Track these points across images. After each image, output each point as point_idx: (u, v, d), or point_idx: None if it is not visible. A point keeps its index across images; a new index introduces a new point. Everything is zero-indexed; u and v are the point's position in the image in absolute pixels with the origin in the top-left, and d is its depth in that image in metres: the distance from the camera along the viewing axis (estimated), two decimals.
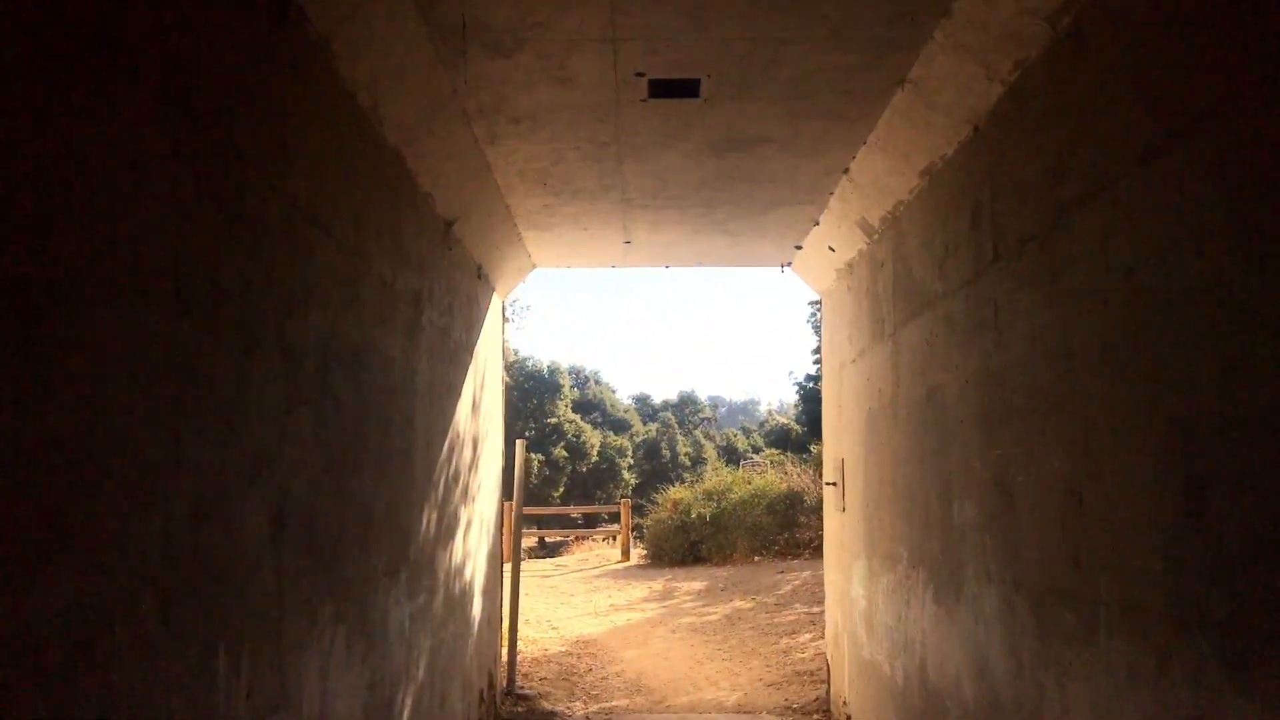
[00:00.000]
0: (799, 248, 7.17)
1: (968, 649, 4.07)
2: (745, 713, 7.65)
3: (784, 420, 36.23)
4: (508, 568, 8.55)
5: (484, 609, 6.61)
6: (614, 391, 43.11)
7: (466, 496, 5.90)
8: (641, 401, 47.29)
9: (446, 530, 5.30)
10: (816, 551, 14.79)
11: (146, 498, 2.04)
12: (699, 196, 5.88)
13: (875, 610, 5.81)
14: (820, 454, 17.35)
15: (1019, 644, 3.48)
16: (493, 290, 7.03)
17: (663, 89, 4.24)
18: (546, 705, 7.72)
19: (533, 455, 31.54)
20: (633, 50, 3.89)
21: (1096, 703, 2.82)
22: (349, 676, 3.43)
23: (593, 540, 21.67)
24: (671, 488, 19.14)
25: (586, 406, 39.21)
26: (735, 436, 42.34)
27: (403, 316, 4.30)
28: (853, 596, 6.52)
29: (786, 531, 15.94)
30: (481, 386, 6.46)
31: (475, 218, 5.67)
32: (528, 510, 24.31)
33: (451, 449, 5.44)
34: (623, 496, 24.85)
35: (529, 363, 36.13)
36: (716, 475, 19.96)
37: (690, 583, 14.38)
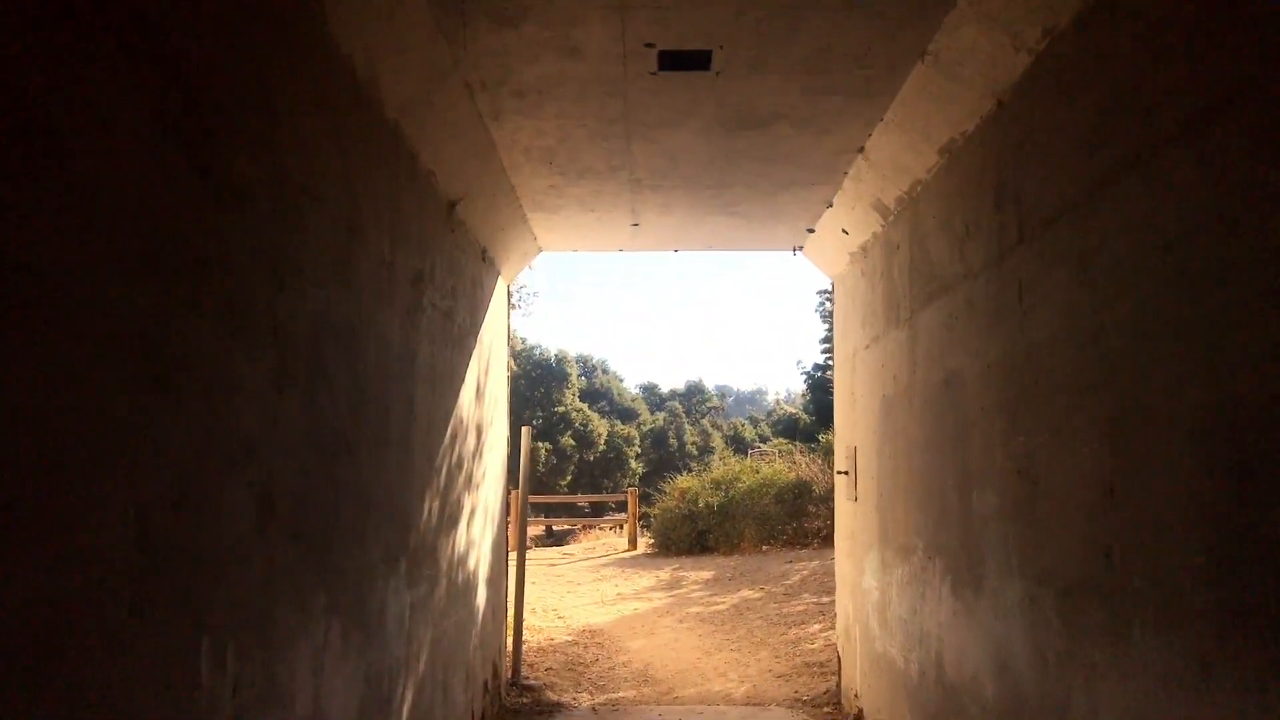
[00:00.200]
0: (811, 231, 7.00)
1: (988, 644, 3.92)
2: (754, 705, 7.51)
3: (792, 410, 36.10)
4: (513, 556, 8.43)
5: (488, 599, 6.48)
6: (621, 381, 43.02)
7: (470, 484, 5.76)
8: (649, 391, 47.21)
9: (449, 518, 5.16)
10: (825, 541, 14.65)
11: (116, 481, 1.89)
12: (709, 177, 5.71)
13: (888, 602, 5.66)
14: (829, 443, 17.24)
15: (1044, 640, 3.33)
16: (497, 274, 6.87)
17: (673, 61, 4.07)
18: (552, 696, 7.60)
19: (540, 444, 31.47)
20: (641, 19, 3.73)
21: (1130, 705, 2.67)
22: (345, 669, 3.30)
23: (600, 529, 21.58)
24: (679, 477, 19.02)
25: (594, 395, 39.14)
26: (743, 426, 42.21)
27: (402, 297, 4.15)
28: (865, 588, 6.37)
29: (795, 521, 15.80)
30: (486, 372, 6.32)
31: (479, 198, 5.52)
32: (535, 499, 24.27)
33: (454, 435, 5.30)
34: (630, 485, 24.76)
35: (536, 351, 36.05)
36: (724, 464, 19.81)
37: (698, 572, 14.26)
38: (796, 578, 12.88)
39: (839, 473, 7.39)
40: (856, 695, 6.64)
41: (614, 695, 7.84)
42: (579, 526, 22.81)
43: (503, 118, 4.70)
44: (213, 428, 2.33)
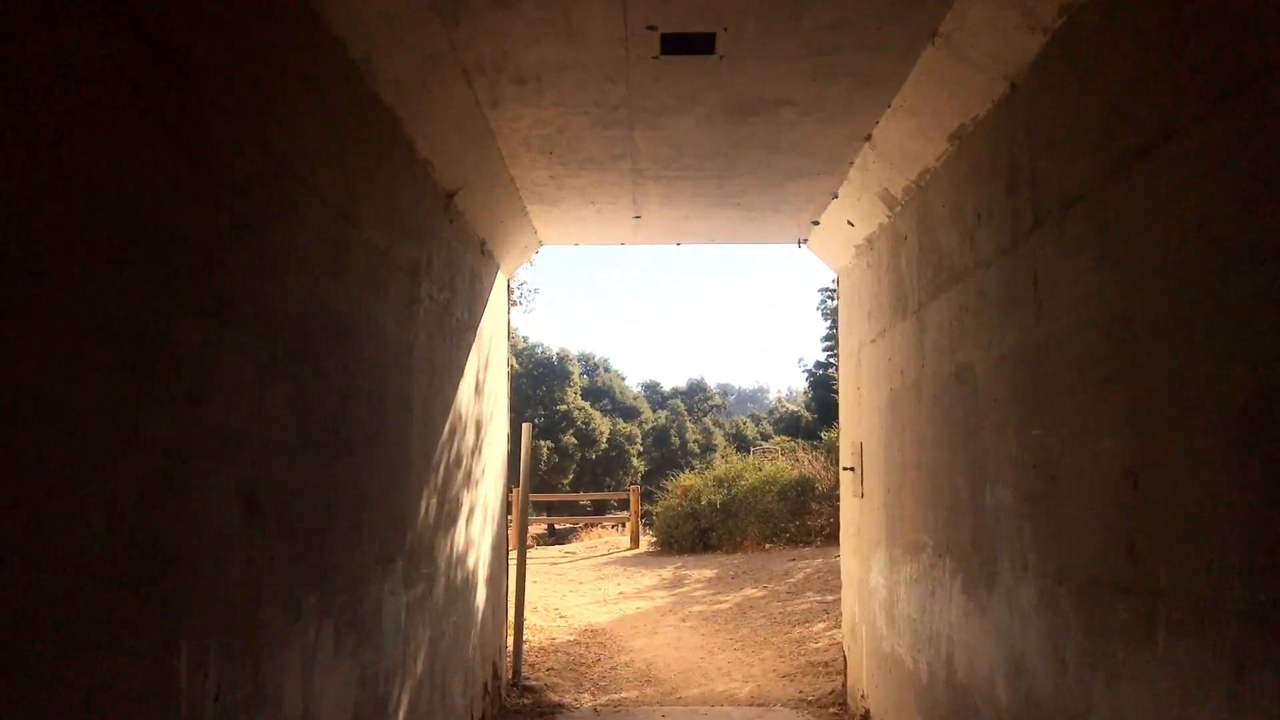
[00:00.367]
0: (816, 223, 6.87)
1: (1001, 644, 3.80)
2: (759, 705, 7.39)
3: (793, 407, 35.97)
4: (514, 555, 8.31)
5: (488, 598, 6.36)
6: (623, 379, 42.90)
7: (469, 481, 5.65)
8: (651, 389, 47.09)
9: (448, 516, 5.05)
10: (828, 539, 14.53)
11: (86, 474, 1.78)
12: (713, 166, 5.59)
13: (896, 601, 5.54)
14: (831, 440, 17.13)
15: (1062, 640, 3.21)
16: (497, 268, 6.75)
17: (676, 44, 3.95)
18: (554, 697, 7.48)
19: (542, 442, 31.36)
20: (643, 0, 3.61)
21: (1157, 708, 2.55)
22: (337, 672, 3.19)
23: (602, 527, 21.46)
24: (681, 474, 18.90)
25: (596, 394, 39.01)
26: (745, 424, 42.09)
27: (398, 288, 4.04)
28: (871, 586, 6.25)
29: (798, 519, 15.68)
30: (485, 367, 6.20)
31: (478, 189, 5.40)
32: (537, 497, 24.16)
33: (453, 431, 5.19)
34: (632, 483, 24.63)
35: (538, 350, 35.93)
36: (726, 462, 19.69)
37: (700, 570, 14.14)
38: (800, 576, 12.76)
39: (844, 469, 7.27)
40: (863, 696, 6.52)
41: (616, 696, 7.73)
42: (581, 525, 22.70)
43: (501, 105, 4.58)
44: (194, 419, 2.22)
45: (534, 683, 7.79)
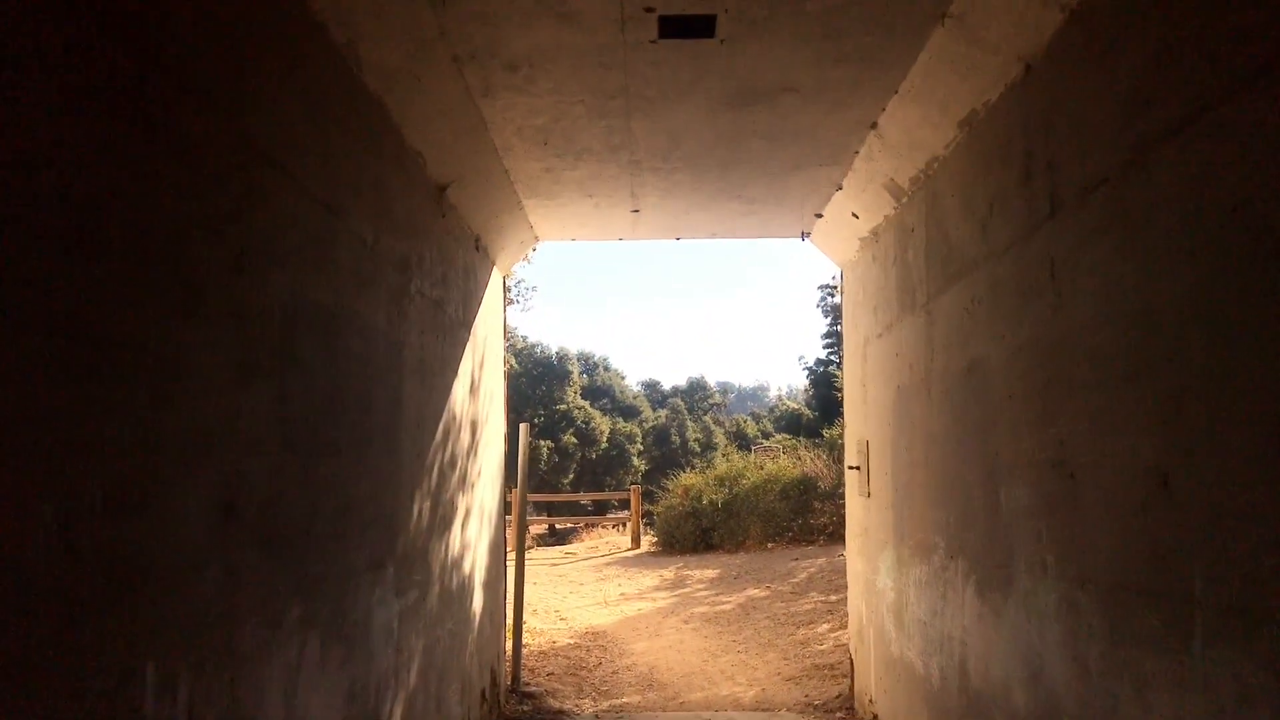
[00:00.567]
0: (819, 216, 6.72)
1: (1018, 650, 3.65)
2: (764, 710, 7.24)
3: (794, 405, 35.80)
4: (512, 558, 8.16)
5: (485, 603, 6.20)
6: (623, 378, 42.74)
7: (464, 483, 5.49)
8: (651, 387, 46.95)
9: (442, 520, 4.89)
10: (831, 538, 14.38)
11: (34, 484, 1.62)
12: (714, 157, 5.43)
13: (906, 603, 5.38)
14: (833, 438, 16.98)
15: (1084, 647, 3.06)
16: (493, 264, 6.60)
17: (675, 27, 3.79)
18: (554, 703, 7.32)
19: (542, 442, 31.21)
20: None
21: None
22: (323, 686, 3.03)
23: (603, 527, 21.31)
24: (682, 474, 18.75)
25: (596, 393, 38.87)
26: (745, 422, 41.96)
27: (388, 283, 3.88)
28: (879, 588, 6.10)
29: (800, 518, 15.53)
30: (480, 366, 6.04)
31: (471, 183, 5.24)
32: (538, 497, 24.01)
33: (447, 432, 5.03)
34: (633, 483, 24.48)
35: (538, 349, 35.79)
36: (728, 461, 19.53)
37: (702, 570, 13.99)
38: (803, 575, 12.61)
39: (850, 468, 7.12)
40: (871, 700, 6.36)
41: (618, 701, 7.57)
42: (582, 525, 22.56)
43: (494, 94, 4.42)
44: (162, 421, 2.06)
45: (534, 688, 7.64)
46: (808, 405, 30.93)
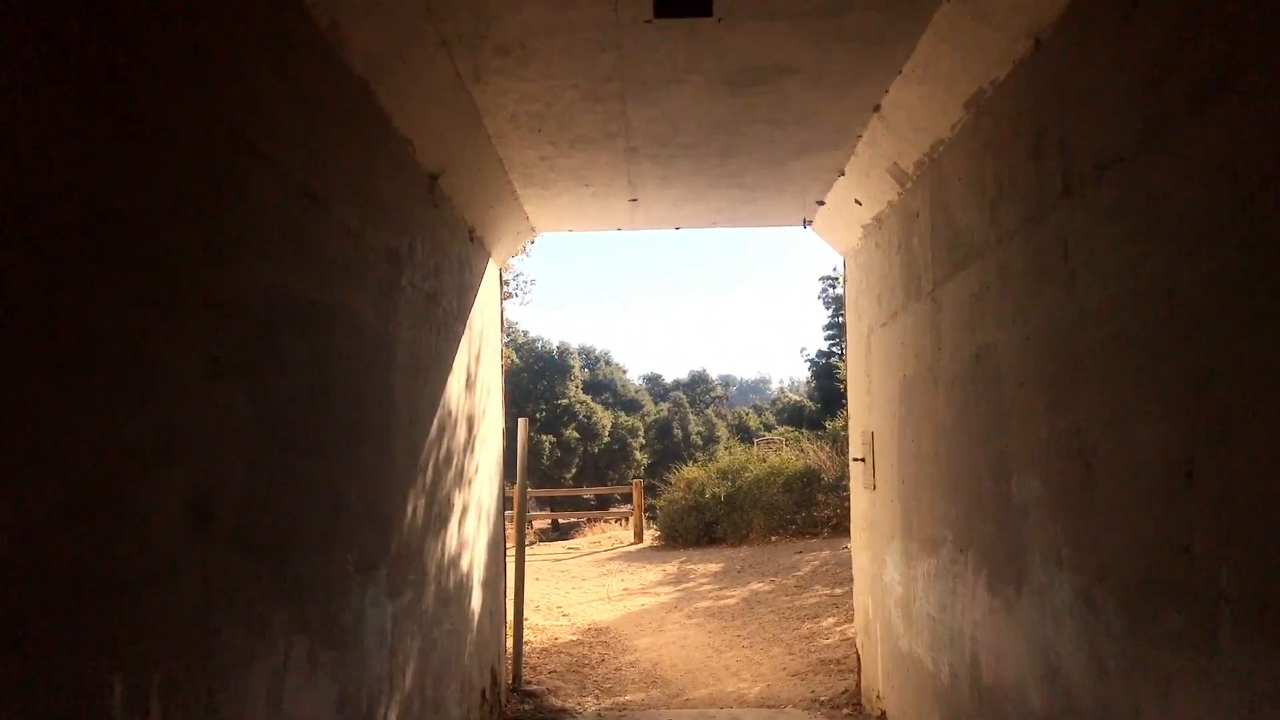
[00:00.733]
0: (821, 203, 6.58)
1: (1032, 647, 3.53)
2: (769, 706, 7.13)
3: (796, 398, 35.67)
4: (513, 554, 8.04)
5: (485, 602, 6.09)
6: (624, 372, 42.67)
7: (461, 480, 5.37)
8: (652, 381, 46.89)
9: (437, 518, 4.77)
10: (835, 530, 14.27)
11: None
12: (713, 143, 5.29)
13: (914, 598, 5.27)
14: (836, 430, 16.85)
15: (1102, 645, 2.93)
16: (488, 256, 6.47)
17: (671, 6, 3.66)
18: (556, 702, 7.22)
19: (544, 437, 31.11)
20: None
21: None
22: (312, 694, 2.91)
23: (605, 522, 21.23)
24: (684, 467, 18.64)
25: (597, 387, 38.79)
26: (747, 415, 41.86)
27: (376, 275, 3.75)
28: (886, 582, 5.98)
29: (804, 510, 15.41)
30: (476, 360, 5.92)
31: (464, 172, 5.11)
32: (539, 493, 23.90)
33: (442, 428, 4.91)
34: (635, 477, 24.40)
35: (538, 344, 35.69)
36: (730, 454, 19.42)
37: (705, 564, 13.88)
38: (807, 568, 12.49)
39: (854, 460, 7.00)
40: (879, 696, 6.25)
41: (621, 699, 7.46)
42: (584, 520, 22.47)
43: (485, 78, 4.29)
44: (128, 421, 1.94)
45: (535, 687, 7.53)
46: (810, 397, 30.79)
